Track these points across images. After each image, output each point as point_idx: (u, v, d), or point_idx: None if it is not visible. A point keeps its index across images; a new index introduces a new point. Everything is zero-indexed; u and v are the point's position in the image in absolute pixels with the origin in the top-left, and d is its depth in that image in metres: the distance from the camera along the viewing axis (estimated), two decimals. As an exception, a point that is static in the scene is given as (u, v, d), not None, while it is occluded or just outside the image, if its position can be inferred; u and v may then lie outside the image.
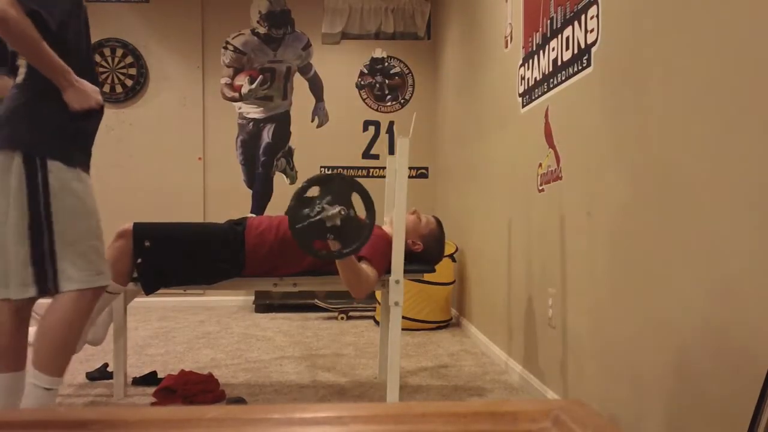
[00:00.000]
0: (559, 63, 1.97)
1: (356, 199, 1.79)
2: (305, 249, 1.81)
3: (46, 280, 1.45)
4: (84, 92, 1.53)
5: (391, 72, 4.83)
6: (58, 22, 1.49)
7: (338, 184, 1.79)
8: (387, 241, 2.11)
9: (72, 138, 1.54)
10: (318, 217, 1.75)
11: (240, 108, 4.83)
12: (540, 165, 2.16)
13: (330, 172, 1.87)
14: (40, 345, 1.45)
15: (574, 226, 1.86)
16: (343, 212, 1.75)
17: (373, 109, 4.85)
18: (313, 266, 2.16)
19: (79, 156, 1.59)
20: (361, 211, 1.80)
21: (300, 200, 1.79)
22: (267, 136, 4.85)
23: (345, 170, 4.81)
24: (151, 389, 2.12)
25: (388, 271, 2.02)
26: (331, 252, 1.83)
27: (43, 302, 1.55)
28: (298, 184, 4.82)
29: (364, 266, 2.04)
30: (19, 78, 1.49)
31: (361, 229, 1.79)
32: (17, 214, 1.41)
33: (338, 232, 1.76)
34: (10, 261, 1.42)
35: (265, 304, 4.30)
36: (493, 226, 2.83)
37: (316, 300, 4.08)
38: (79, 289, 1.48)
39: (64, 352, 1.48)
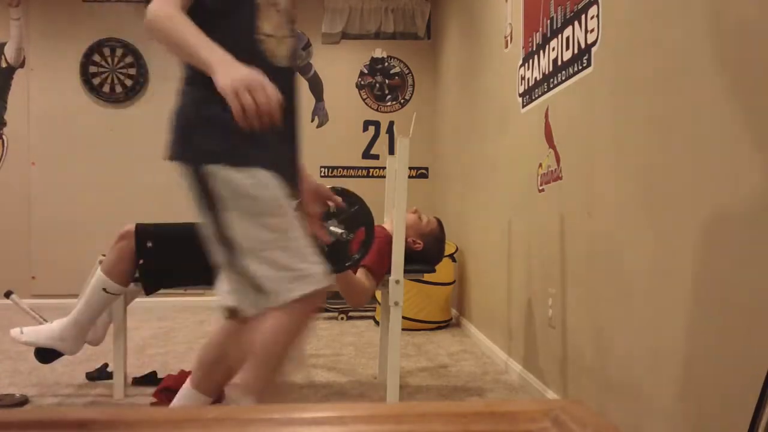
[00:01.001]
0: (560, 63, 1.97)
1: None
2: (354, 266, 1.90)
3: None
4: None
5: (391, 72, 4.83)
6: None
7: (359, 209, 1.79)
8: (388, 242, 2.12)
9: (243, 136, 1.25)
10: (326, 248, 1.75)
11: (240, 108, 4.83)
12: (540, 165, 2.16)
13: (341, 186, 1.84)
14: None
15: (574, 226, 1.86)
16: (343, 236, 1.76)
17: (373, 109, 4.85)
18: None
19: (254, 154, 1.26)
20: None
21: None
22: (267, 136, 4.85)
23: (345, 170, 4.81)
24: (151, 389, 2.12)
25: (389, 271, 2.02)
26: (361, 248, 1.86)
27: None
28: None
29: (362, 276, 2.05)
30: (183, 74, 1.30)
31: (348, 259, 1.82)
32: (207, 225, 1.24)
33: (347, 230, 1.77)
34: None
35: (265, 304, 4.29)
36: (493, 226, 2.83)
37: (316, 300, 4.08)
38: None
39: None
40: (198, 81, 1.24)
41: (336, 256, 1.77)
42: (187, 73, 1.33)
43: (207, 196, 1.22)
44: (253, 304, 1.21)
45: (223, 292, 1.34)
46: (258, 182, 1.21)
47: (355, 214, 1.79)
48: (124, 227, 2.09)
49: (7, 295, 2.35)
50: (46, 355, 2.10)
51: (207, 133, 1.25)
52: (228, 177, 1.20)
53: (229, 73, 1.09)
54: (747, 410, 0.95)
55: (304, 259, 1.24)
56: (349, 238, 1.77)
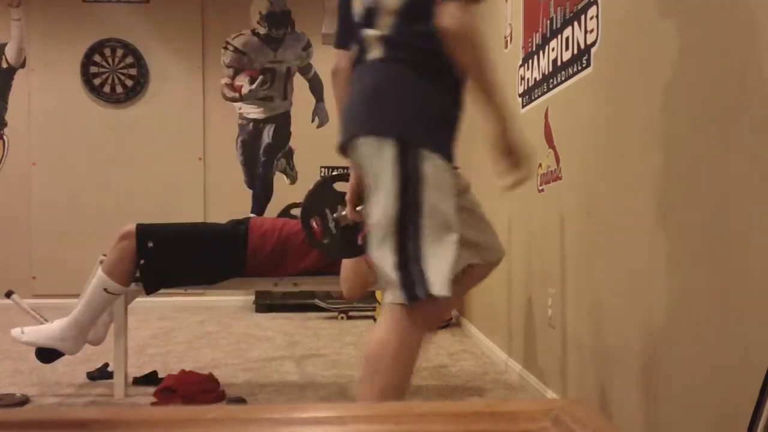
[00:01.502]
0: (559, 63, 1.97)
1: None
2: (362, 253, 1.79)
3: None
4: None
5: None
6: None
7: (320, 192, 1.78)
8: None
9: (449, 128, 1.31)
10: (340, 227, 1.75)
11: (240, 108, 4.83)
12: (540, 165, 2.16)
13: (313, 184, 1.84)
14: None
15: (574, 226, 1.87)
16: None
17: (373, 109, 4.85)
18: (313, 266, 2.17)
19: (452, 149, 1.31)
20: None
21: (315, 241, 1.78)
22: (267, 136, 4.86)
23: (345, 170, 4.81)
24: (152, 389, 2.12)
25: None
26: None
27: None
28: (299, 185, 4.83)
29: (367, 269, 2.06)
30: (376, 53, 1.29)
31: (359, 247, 1.81)
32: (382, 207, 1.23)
33: (341, 233, 1.77)
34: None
35: (265, 304, 4.30)
36: (493, 226, 2.83)
37: (316, 300, 4.08)
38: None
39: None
40: (428, 72, 1.28)
41: (351, 239, 1.77)
42: (414, 59, 1.29)
43: (408, 178, 1.21)
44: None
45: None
46: (453, 180, 1.28)
47: (324, 194, 1.78)
48: (125, 227, 2.09)
49: (8, 295, 2.35)
50: (46, 354, 2.10)
51: (435, 123, 1.27)
52: (442, 166, 1.23)
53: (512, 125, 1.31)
54: (748, 407, 0.95)
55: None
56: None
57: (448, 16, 1.24)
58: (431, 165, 1.22)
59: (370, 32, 1.30)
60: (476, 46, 1.28)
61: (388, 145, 1.21)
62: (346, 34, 1.42)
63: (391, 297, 1.22)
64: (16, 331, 2.05)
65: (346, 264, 2.07)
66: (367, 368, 1.22)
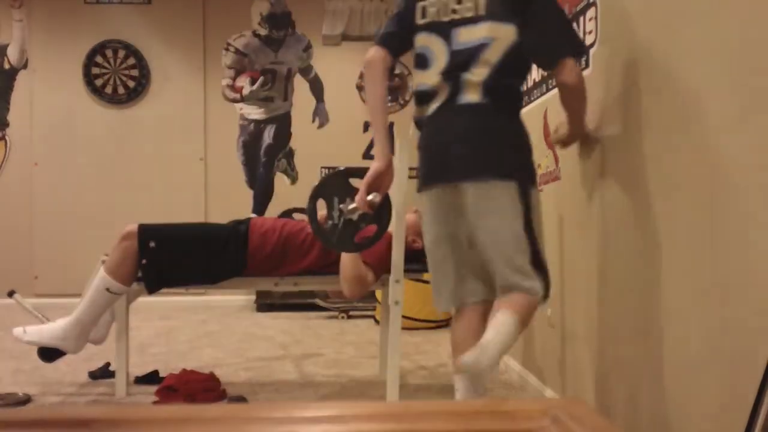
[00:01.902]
0: (560, 63, 1.96)
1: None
2: (352, 251, 1.87)
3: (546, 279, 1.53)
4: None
5: (392, 73, 4.83)
6: None
7: (333, 182, 1.80)
8: (387, 242, 2.12)
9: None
10: (343, 220, 1.75)
11: (241, 109, 4.84)
12: (539, 165, 2.16)
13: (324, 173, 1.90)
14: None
15: (573, 226, 1.87)
16: (366, 218, 1.76)
17: (374, 109, 4.85)
18: (314, 266, 2.18)
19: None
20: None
21: (315, 221, 1.79)
22: (268, 136, 4.86)
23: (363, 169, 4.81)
24: (153, 388, 2.12)
25: (388, 271, 2.03)
26: (370, 238, 1.85)
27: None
28: (299, 185, 4.84)
29: (366, 268, 2.07)
30: (474, 97, 1.47)
31: (382, 207, 1.81)
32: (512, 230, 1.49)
33: (368, 217, 1.78)
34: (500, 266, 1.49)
35: (266, 304, 4.30)
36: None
37: (317, 299, 4.09)
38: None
39: None
40: (518, 118, 1.54)
41: (350, 234, 1.78)
42: (511, 107, 1.54)
43: (526, 210, 1.48)
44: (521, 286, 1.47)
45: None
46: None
47: (336, 184, 1.80)
48: (127, 228, 2.10)
49: (10, 294, 2.36)
50: (49, 354, 2.10)
51: (532, 162, 1.57)
52: (538, 195, 1.54)
53: None
54: (746, 407, 0.95)
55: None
56: (366, 221, 1.78)
57: (570, 73, 1.50)
58: (537, 197, 1.53)
59: (468, 76, 1.47)
60: (586, 93, 1.59)
61: (512, 186, 1.47)
62: (399, 41, 1.61)
63: (526, 286, 1.46)
64: (18, 331, 2.05)
65: (346, 263, 2.08)
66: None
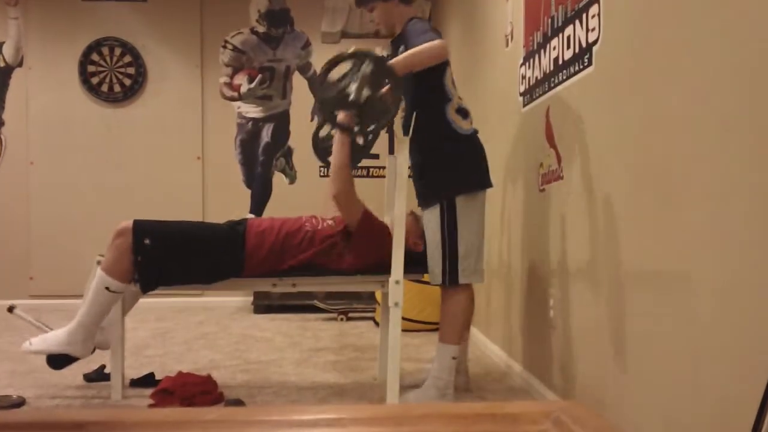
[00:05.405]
0: (560, 62, 1.96)
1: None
2: (328, 118, 1.88)
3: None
4: None
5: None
6: None
7: (375, 65, 1.80)
8: (388, 232, 2.12)
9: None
10: (346, 91, 1.76)
11: (239, 107, 4.83)
12: (541, 165, 2.16)
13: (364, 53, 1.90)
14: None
15: (574, 226, 1.86)
16: (369, 94, 1.75)
17: (372, 108, 4.85)
18: (312, 260, 2.15)
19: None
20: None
21: (330, 67, 1.80)
22: (266, 135, 4.85)
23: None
24: (149, 391, 2.11)
25: (388, 271, 2.02)
26: (346, 126, 1.87)
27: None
28: (298, 184, 4.82)
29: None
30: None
31: (384, 113, 1.80)
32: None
33: (361, 110, 1.77)
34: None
35: (264, 305, 4.29)
36: (493, 226, 2.83)
37: (315, 301, 4.08)
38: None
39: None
40: None
41: (372, 115, 1.79)
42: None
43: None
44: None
45: None
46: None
47: (375, 69, 1.79)
48: (121, 224, 2.07)
49: (10, 309, 2.34)
50: (58, 361, 2.10)
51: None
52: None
53: None
54: (752, 408, 0.95)
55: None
56: (377, 95, 1.80)
57: None
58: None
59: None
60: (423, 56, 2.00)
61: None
62: None
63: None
64: (24, 345, 2.07)
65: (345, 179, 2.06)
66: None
